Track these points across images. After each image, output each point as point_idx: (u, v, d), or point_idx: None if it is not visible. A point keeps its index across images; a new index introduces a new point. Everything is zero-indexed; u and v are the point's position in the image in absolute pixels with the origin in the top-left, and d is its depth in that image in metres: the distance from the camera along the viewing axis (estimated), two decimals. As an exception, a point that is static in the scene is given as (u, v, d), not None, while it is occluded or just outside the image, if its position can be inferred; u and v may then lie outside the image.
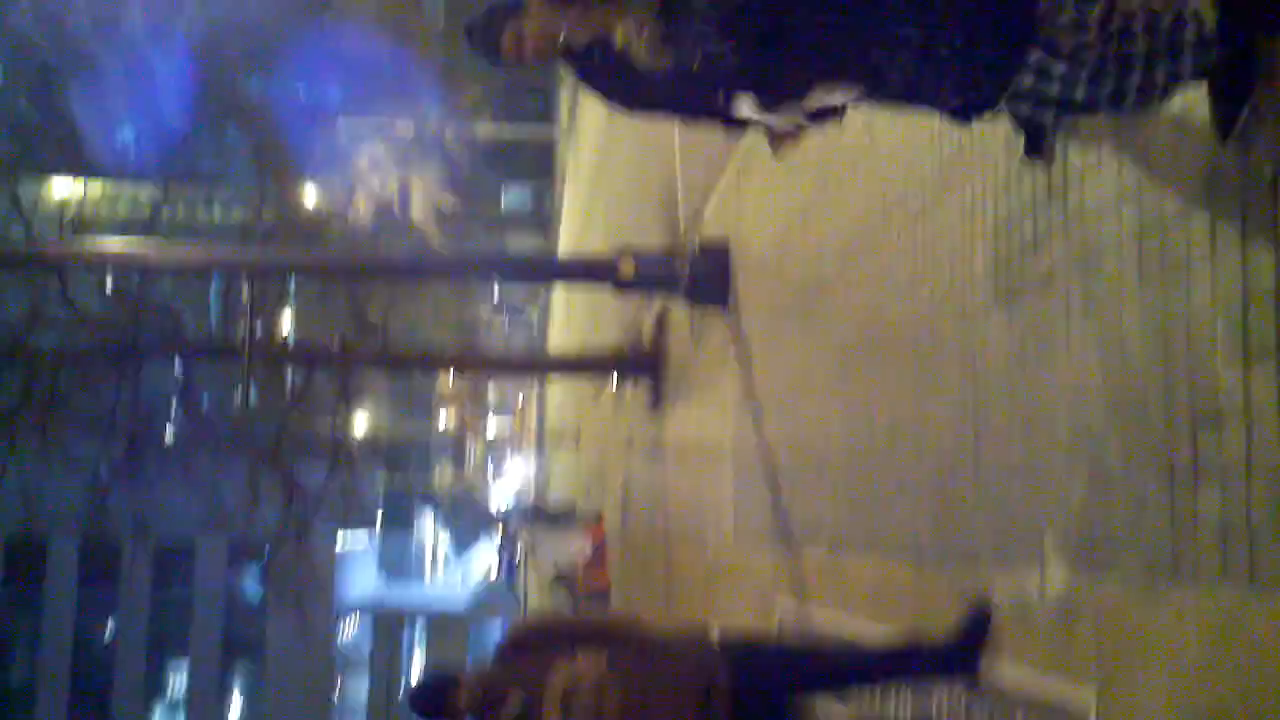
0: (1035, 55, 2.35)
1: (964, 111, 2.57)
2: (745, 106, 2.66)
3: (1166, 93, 2.48)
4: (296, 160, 22.29)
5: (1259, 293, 2.71)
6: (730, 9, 2.42)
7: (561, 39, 2.80)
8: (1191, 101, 2.82)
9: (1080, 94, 2.40)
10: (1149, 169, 3.17)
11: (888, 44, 2.37)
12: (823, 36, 2.40)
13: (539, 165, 46.75)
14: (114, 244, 12.72)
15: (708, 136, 8.24)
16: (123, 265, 13.47)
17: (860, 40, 2.41)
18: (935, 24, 2.35)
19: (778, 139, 2.91)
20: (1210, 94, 2.71)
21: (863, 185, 5.81)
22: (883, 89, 2.54)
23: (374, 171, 29.20)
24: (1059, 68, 2.36)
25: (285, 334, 22.64)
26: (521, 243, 50.26)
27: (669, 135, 12.06)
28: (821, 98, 2.58)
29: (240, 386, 19.23)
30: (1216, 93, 2.68)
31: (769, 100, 2.63)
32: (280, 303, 21.51)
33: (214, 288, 22.85)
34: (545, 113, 45.58)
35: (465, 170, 31.41)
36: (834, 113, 2.74)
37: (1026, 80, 2.38)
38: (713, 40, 2.47)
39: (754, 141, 8.10)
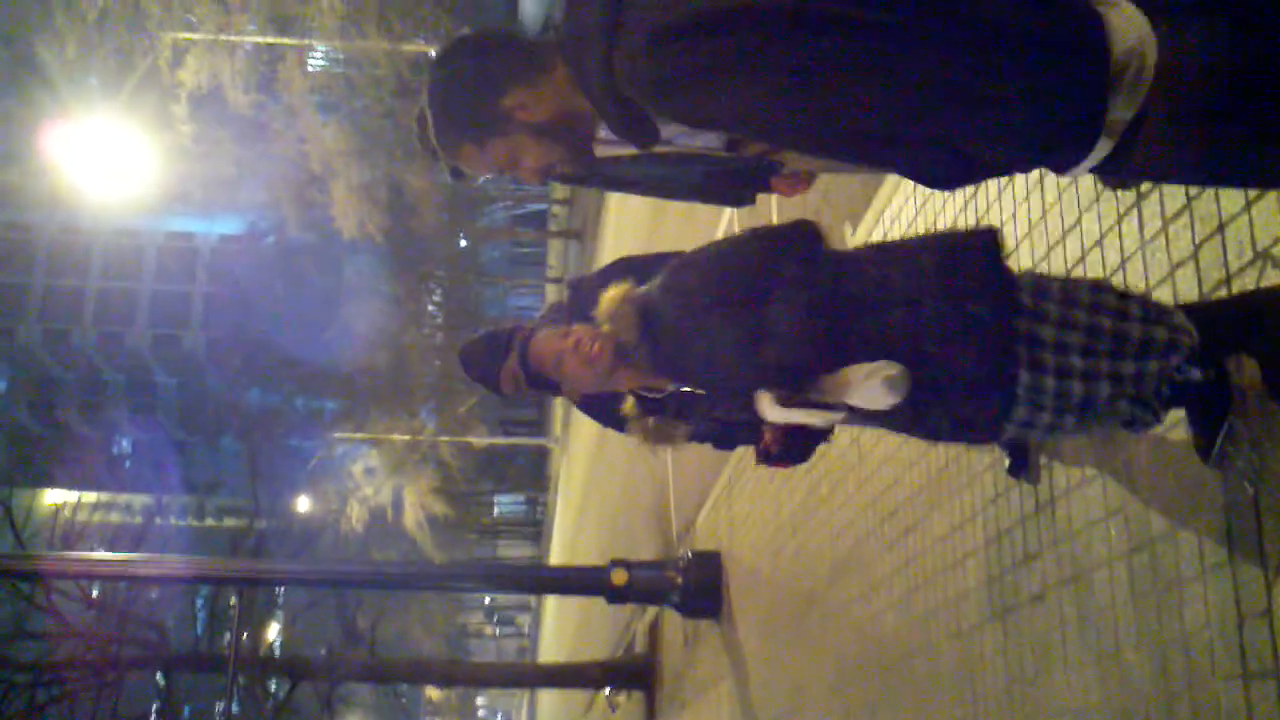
0: (1025, 378, 2.34)
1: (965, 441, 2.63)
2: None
3: (1160, 410, 2.50)
4: (291, 470, 22.49)
5: (1253, 611, 2.70)
6: (730, 382, 2.54)
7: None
8: (1170, 421, 2.89)
9: (1073, 414, 2.40)
10: (1133, 487, 3.21)
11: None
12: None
13: (532, 475, 47.04)
14: (104, 558, 12.66)
15: (700, 449, 8.36)
16: (112, 578, 13.36)
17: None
18: (924, 374, 2.38)
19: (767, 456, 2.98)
20: (1188, 417, 2.78)
21: (852, 498, 5.85)
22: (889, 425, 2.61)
23: (368, 479, 29.37)
24: (1050, 382, 2.34)
25: (271, 642, 22.26)
26: (514, 551, 50.07)
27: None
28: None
29: (224, 698, 18.75)
30: (1194, 416, 2.74)
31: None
32: (268, 612, 21.24)
33: (201, 595, 22.62)
34: (539, 424, 46.26)
35: (459, 479, 31.58)
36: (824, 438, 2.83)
37: (1020, 411, 2.39)
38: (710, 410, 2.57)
39: (744, 454, 8.23)
